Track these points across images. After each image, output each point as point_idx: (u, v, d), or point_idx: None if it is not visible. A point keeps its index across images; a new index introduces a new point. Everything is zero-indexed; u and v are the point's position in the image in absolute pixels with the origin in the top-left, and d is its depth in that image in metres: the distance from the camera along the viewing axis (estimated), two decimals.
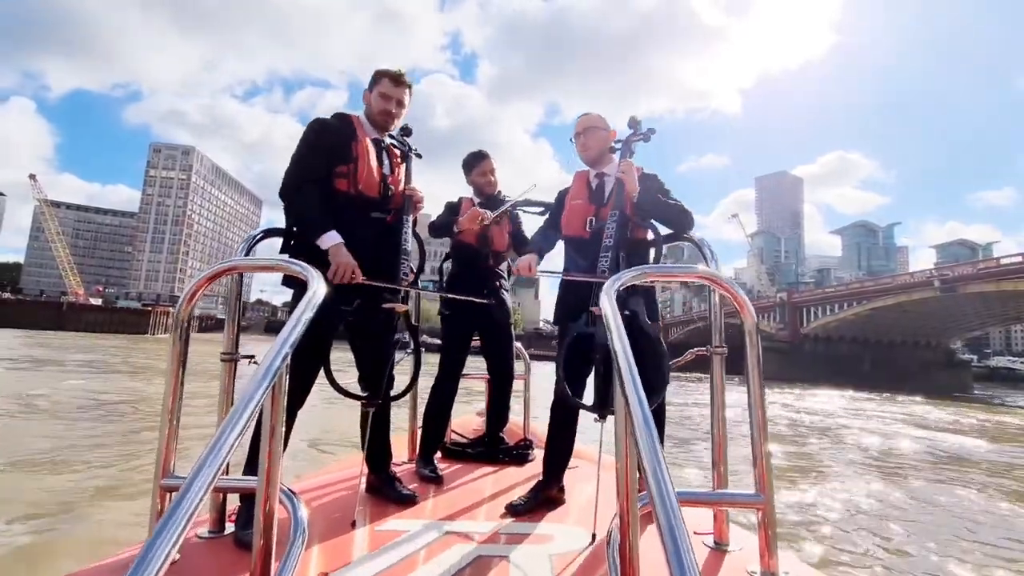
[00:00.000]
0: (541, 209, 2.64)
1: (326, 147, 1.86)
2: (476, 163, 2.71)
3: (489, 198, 2.67)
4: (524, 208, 2.70)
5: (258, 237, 1.79)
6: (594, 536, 1.57)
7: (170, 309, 68.64)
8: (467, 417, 3.41)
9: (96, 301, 73.60)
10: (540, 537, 1.63)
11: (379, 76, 2.01)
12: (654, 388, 1.76)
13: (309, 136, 1.87)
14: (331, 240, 1.76)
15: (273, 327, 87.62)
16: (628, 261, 1.84)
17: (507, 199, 2.66)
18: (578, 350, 1.84)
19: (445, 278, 2.66)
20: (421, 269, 2.13)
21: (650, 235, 1.98)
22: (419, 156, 2.17)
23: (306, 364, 1.67)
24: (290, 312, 1.87)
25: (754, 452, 1.34)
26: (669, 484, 0.72)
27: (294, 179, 1.83)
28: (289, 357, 0.96)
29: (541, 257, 2.11)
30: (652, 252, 2.02)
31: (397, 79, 2.00)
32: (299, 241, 1.84)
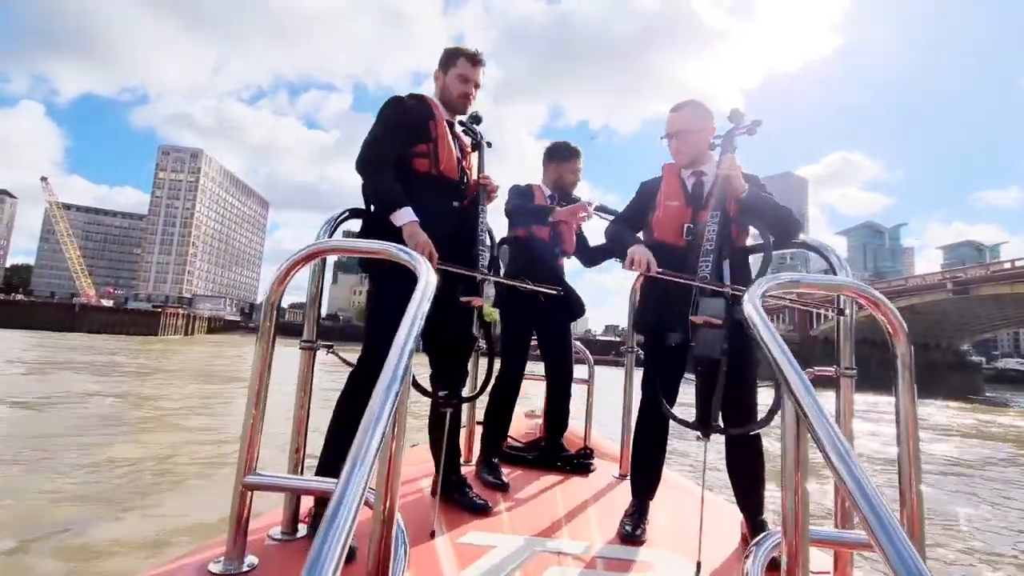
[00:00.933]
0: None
1: (405, 126, 1.77)
2: (570, 158, 2.58)
3: (565, 197, 2.55)
4: (602, 215, 2.55)
5: (341, 216, 1.70)
6: (699, 565, 1.43)
7: (180, 310, 69.17)
8: (516, 419, 3.45)
9: (107, 302, 74.10)
10: (643, 565, 1.51)
11: (454, 56, 1.90)
12: (744, 415, 1.66)
13: (388, 113, 1.77)
14: (406, 217, 1.66)
15: (280, 329, 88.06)
16: (731, 269, 1.72)
17: (581, 200, 2.53)
18: (670, 362, 1.75)
19: (503, 270, 2.37)
20: (496, 262, 2.04)
21: (748, 241, 1.84)
22: (489, 145, 2.07)
23: (384, 354, 1.60)
24: (372, 306, 1.71)
25: (902, 491, 1.18)
26: (893, 520, 0.61)
27: (371, 154, 1.73)
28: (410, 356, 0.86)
29: None
30: (749, 258, 1.86)
31: (475, 59, 1.89)
32: (377, 224, 1.71)
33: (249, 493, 1.19)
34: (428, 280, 1.03)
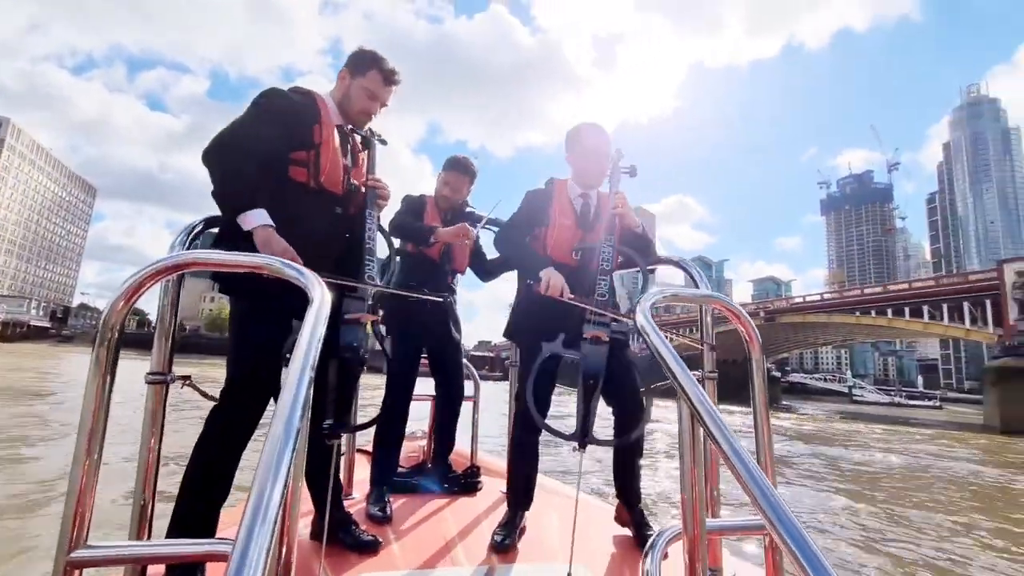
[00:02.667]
0: None
1: (282, 123, 1.50)
2: (448, 169, 2.45)
3: (454, 210, 2.44)
4: (493, 228, 2.47)
5: (198, 227, 1.48)
6: (569, 574, 1.47)
7: None
8: None
9: None
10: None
11: (369, 63, 1.68)
12: (634, 419, 1.77)
13: (262, 104, 1.51)
14: (256, 219, 1.40)
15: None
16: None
17: (475, 213, 2.48)
18: (546, 372, 1.78)
19: (391, 285, 2.00)
20: (389, 271, 1.90)
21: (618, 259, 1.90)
22: (383, 143, 1.85)
23: (254, 392, 1.43)
24: (236, 329, 1.47)
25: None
26: (792, 517, 0.64)
27: (226, 142, 1.43)
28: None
29: None
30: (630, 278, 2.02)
31: (389, 77, 1.70)
32: (240, 233, 1.43)
33: (77, 572, 0.90)
34: (323, 300, 0.87)
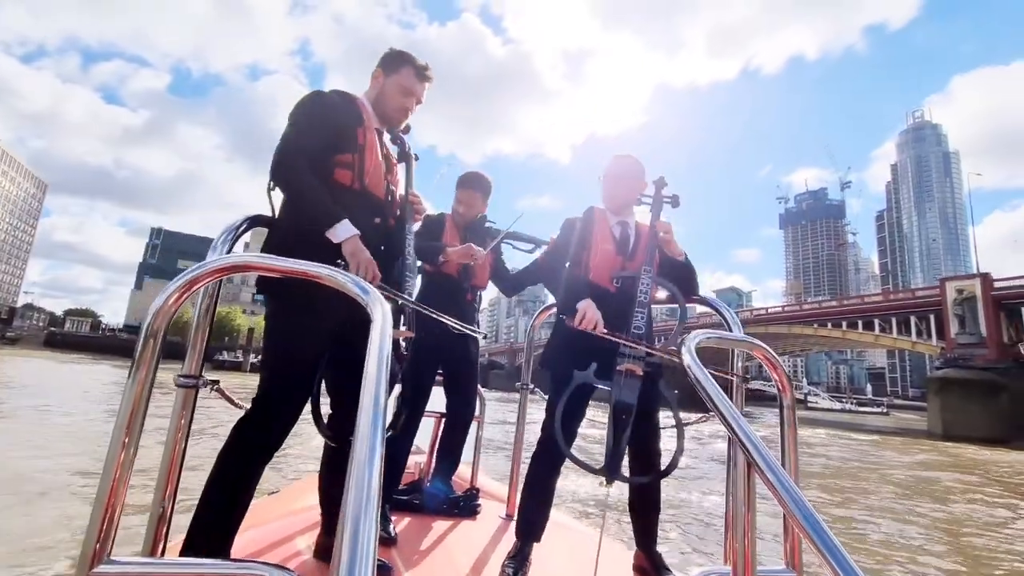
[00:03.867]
0: (531, 247, 2.47)
1: (326, 125, 1.50)
2: (460, 186, 2.46)
3: (472, 225, 2.45)
4: (512, 243, 2.48)
5: (242, 226, 1.42)
6: None
7: None
8: None
9: None
10: None
11: (400, 61, 1.67)
12: (656, 452, 1.75)
13: (309, 109, 1.51)
14: (346, 231, 1.40)
15: (56, 340, 71.16)
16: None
17: (493, 227, 2.48)
18: (578, 401, 1.75)
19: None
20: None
21: (661, 293, 1.91)
22: (417, 158, 1.85)
23: (290, 405, 1.38)
24: (275, 337, 1.39)
25: (785, 523, 1.23)
26: (849, 560, 0.65)
27: (290, 157, 1.42)
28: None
29: None
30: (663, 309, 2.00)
31: (423, 73, 1.69)
32: (293, 238, 1.41)
33: None
34: (385, 320, 0.81)
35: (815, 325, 39.70)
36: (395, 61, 1.68)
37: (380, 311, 0.84)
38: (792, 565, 1.22)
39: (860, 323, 37.29)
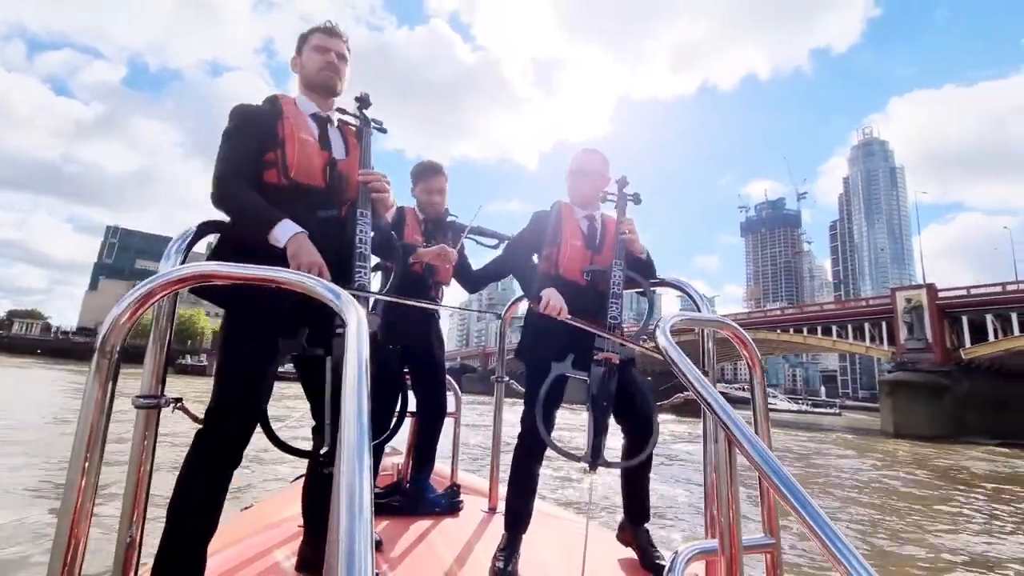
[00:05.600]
0: (495, 242, 2.45)
1: (249, 135, 1.44)
2: (431, 175, 2.41)
3: (435, 219, 2.41)
4: (476, 239, 2.46)
5: (194, 233, 1.35)
6: None
7: None
8: None
9: None
10: None
11: (307, 34, 1.63)
12: (645, 438, 1.75)
13: (229, 127, 1.46)
14: (286, 232, 1.33)
15: (3, 344, 65.83)
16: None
17: (457, 222, 2.44)
18: (553, 392, 1.76)
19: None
20: (393, 275, 1.75)
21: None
22: (383, 131, 1.73)
23: (244, 413, 1.32)
24: (228, 345, 1.33)
25: (762, 495, 1.26)
26: (835, 528, 0.67)
27: (223, 176, 1.38)
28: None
29: None
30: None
31: (329, 30, 1.61)
32: (245, 242, 1.36)
33: None
34: (360, 324, 0.77)
35: (778, 331, 41.86)
36: (302, 38, 1.65)
37: (355, 316, 0.78)
38: (770, 532, 1.29)
39: (819, 329, 39.58)
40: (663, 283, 1.99)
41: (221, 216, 1.42)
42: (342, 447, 0.58)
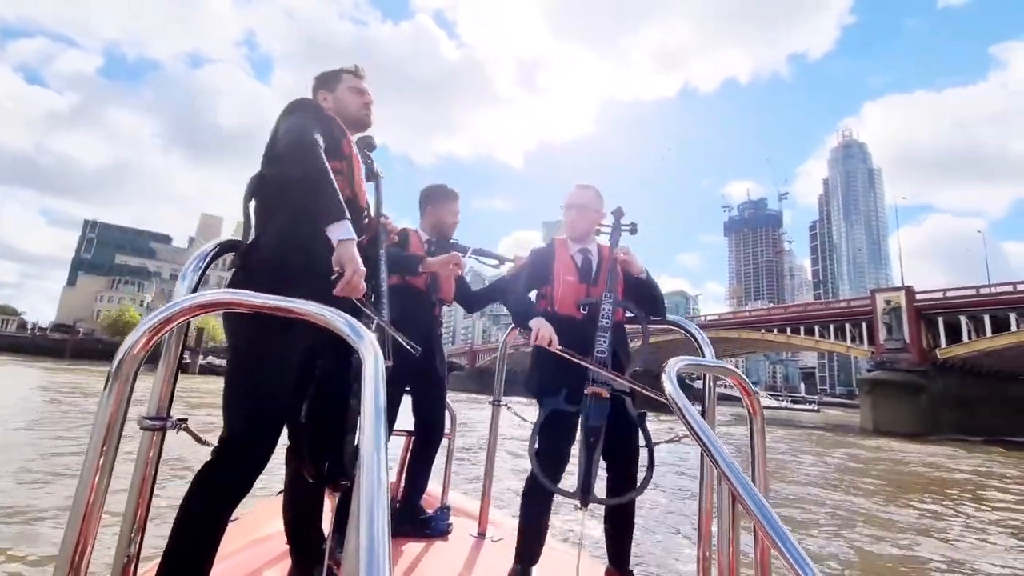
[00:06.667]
0: (497, 263, 2.52)
1: (321, 128, 1.40)
2: (448, 201, 2.48)
3: (440, 242, 2.46)
4: (479, 259, 2.51)
5: (213, 253, 1.31)
6: None
7: None
8: None
9: None
10: None
11: (335, 73, 1.63)
12: (633, 476, 1.75)
13: (307, 109, 1.45)
14: (348, 232, 1.27)
15: None
16: (613, 342, 1.83)
17: (458, 243, 2.47)
18: (554, 427, 1.77)
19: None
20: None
21: (624, 313, 1.93)
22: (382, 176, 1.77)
23: (261, 449, 1.26)
24: (242, 369, 1.28)
25: (756, 544, 1.26)
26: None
27: (305, 137, 1.30)
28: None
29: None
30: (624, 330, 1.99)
31: (358, 72, 1.66)
32: (267, 268, 1.31)
33: None
34: (377, 367, 0.76)
35: (763, 330, 42.96)
36: (331, 77, 1.65)
37: (373, 358, 0.77)
38: None
39: (802, 329, 40.74)
40: (664, 321, 2.01)
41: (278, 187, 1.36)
42: (361, 485, 0.58)
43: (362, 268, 1.28)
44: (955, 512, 8.10)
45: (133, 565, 1.02)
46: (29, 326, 76.72)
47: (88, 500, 0.83)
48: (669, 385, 1.07)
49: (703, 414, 1.40)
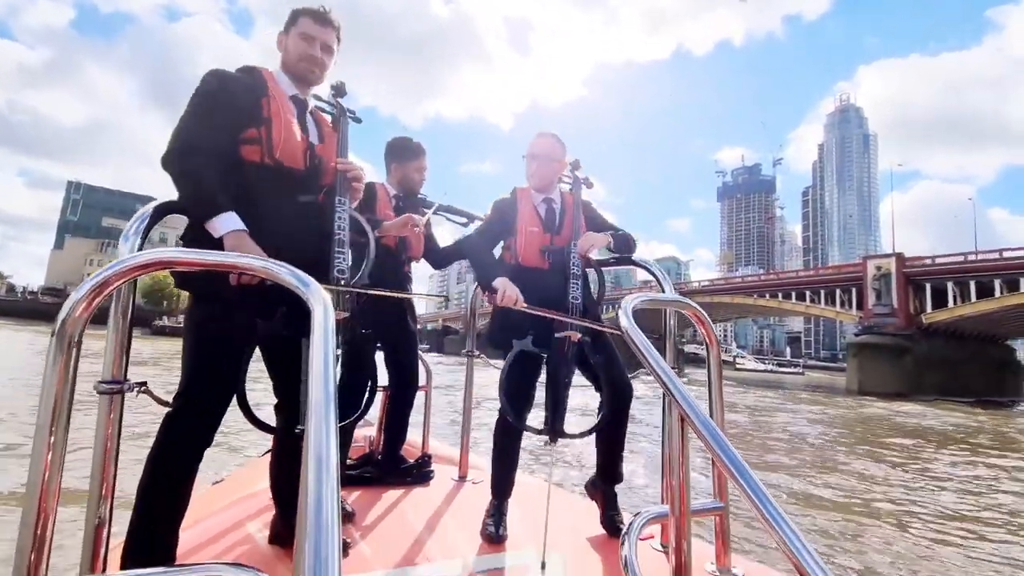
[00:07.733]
0: (465, 220, 2.54)
1: (225, 105, 1.37)
2: (413, 156, 2.47)
3: (409, 197, 2.45)
4: (447, 216, 2.53)
5: (152, 215, 1.29)
6: (543, 564, 1.50)
7: None
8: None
9: None
10: (515, 569, 1.55)
11: (296, 14, 1.58)
12: (625, 399, 1.83)
13: (200, 92, 1.38)
14: (227, 224, 1.29)
15: None
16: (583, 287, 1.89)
17: (427, 199, 2.50)
18: (522, 368, 1.82)
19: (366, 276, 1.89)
20: (367, 262, 1.72)
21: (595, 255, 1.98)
22: (357, 120, 1.74)
23: (216, 395, 1.32)
24: (194, 331, 1.32)
25: (713, 464, 1.33)
26: (767, 494, 0.74)
27: (177, 145, 1.31)
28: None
29: None
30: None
31: (322, 17, 1.57)
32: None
33: None
34: (327, 316, 0.77)
35: (755, 296, 43.85)
36: (292, 16, 1.59)
37: (321, 306, 0.78)
38: (719, 498, 1.40)
39: (793, 294, 41.66)
40: (627, 262, 2.05)
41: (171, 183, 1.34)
42: (309, 430, 0.59)
43: (263, 255, 1.25)
44: (909, 459, 8.83)
45: (105, 530, 1.05)
46: (19, 290, 75.88)
47: (43, 477, 0.81)
48: (625, 319, 1.13)
49: (709, 380, 1.49)
